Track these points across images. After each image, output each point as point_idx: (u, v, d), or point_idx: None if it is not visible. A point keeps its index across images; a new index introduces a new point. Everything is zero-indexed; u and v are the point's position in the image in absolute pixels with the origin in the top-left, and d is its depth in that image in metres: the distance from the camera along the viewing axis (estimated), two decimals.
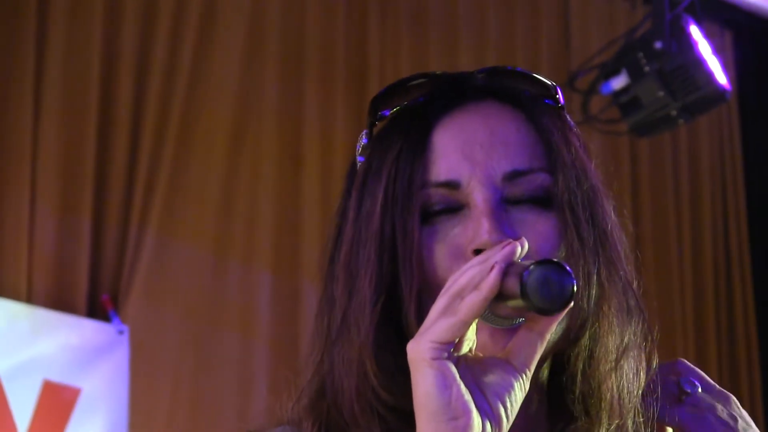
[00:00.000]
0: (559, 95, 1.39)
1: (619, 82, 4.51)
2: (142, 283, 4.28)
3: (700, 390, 1.40)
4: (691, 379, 1.41)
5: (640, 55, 4.45)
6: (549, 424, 1.34)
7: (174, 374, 4.34)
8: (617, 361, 1.30)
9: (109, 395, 4.06)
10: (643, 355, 1.34)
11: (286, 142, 4.76)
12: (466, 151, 1.31)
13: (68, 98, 4.30)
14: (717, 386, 1.43)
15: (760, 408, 5.56)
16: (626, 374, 1.31)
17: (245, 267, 4.59)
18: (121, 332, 4.13)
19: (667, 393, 1.38)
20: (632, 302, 1.33)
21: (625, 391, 1.31)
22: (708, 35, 4.59)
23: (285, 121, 4.77)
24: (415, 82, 1.38)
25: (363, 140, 1.39)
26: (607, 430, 1.30)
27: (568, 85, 4.70)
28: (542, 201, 1.31)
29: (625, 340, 1.31)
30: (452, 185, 1.30)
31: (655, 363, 1.36)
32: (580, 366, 1.30)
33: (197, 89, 4.57)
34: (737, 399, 1.44)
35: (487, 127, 1.33)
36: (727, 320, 5.71)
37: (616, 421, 1.31)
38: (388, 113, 1.38)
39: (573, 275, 1.16)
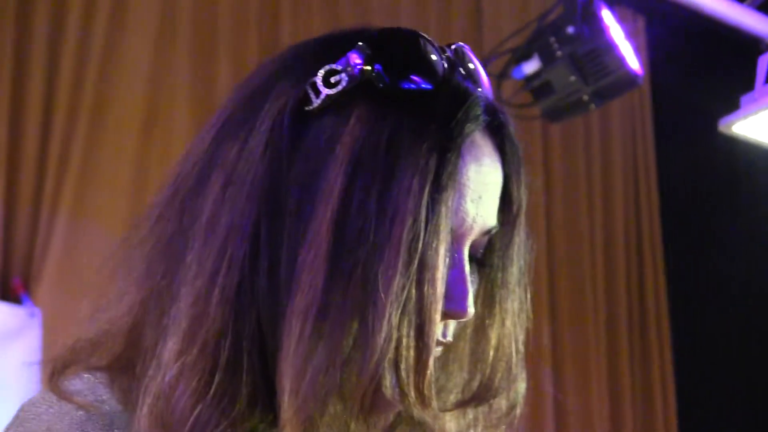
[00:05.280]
0: None
1: (530, 67, 4.51)
2: (54, 266, 4.24)
3: None
4: None
5: (552, 39, 4.46)
6: None
7: None
8: None
9: (21, 378, 4.02)
10: None
11: (199, 126, 4.66)
12: (475, 199, 1.17)
13: None
14: None
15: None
16: None
17: None
18: (32, 315, 4.10)
19: None
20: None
21: None
22: (621, 20, 4.61)
23: (197, 104, 4.74)
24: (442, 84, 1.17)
25: (356, 68, 1.16)
26: None
27: None
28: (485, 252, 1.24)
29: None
30: (455, 232, 1.16)
31: None
32: None
33: (109, 72, 4.53)
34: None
35: (492, 173, 1.19)
36: (639, 307, 5.77)
37: None
38: (392, 80, 1.15)
39: None
